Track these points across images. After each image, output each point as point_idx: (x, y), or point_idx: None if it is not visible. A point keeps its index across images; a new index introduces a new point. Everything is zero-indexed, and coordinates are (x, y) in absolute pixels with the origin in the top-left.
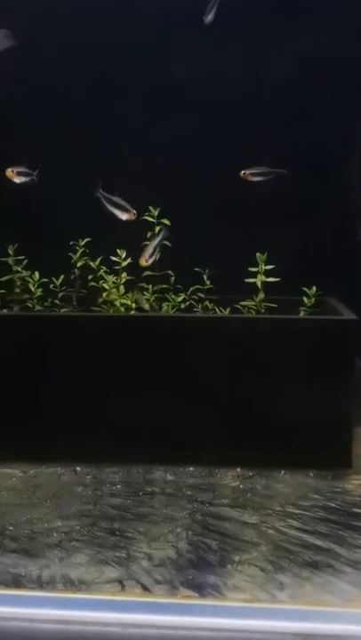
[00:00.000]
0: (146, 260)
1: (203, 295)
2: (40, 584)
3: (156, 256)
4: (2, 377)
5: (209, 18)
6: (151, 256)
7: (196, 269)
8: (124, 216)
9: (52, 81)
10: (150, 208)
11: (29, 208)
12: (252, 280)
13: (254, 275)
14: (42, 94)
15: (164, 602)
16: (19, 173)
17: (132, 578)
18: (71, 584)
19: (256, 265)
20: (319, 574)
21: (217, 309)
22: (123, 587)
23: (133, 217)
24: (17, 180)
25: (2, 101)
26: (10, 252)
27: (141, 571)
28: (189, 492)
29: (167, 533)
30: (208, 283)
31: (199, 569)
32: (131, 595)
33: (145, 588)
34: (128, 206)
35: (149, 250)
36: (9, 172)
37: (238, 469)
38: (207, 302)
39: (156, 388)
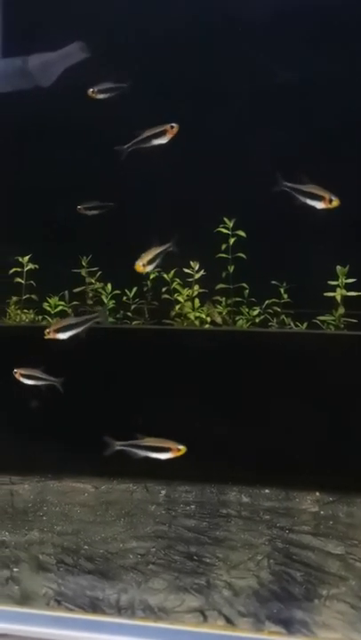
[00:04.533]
0: (144, 265)
1: (279, 309)
2: (118, 609)
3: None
4: (72, 390)
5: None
6: (150, 262)
7: (274, 282)
8: (319, 204)
9: (140, 87)
10: (225, 219)
11: (102, 220)
12: (331, 294)
13: (334, 288)
14: (129, 101)
15: (252, 637)
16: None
17: (214, 608)
18: (151, 611)
19: (336, 278)
20: None
21: (293, 324)
22: (205, 617)
23: (331, 204)
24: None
25: (89, 107)
26: (83, 263)
27: (223, 601)
28: (267, 517)
29: (247, 561)
30: (285, 296)
31: (284, 602)
32: (215, 627)
33: (228, 621)
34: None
35: (150, 255)
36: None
37: (317, 494)
38: (283, 316)
39: (228, 405)
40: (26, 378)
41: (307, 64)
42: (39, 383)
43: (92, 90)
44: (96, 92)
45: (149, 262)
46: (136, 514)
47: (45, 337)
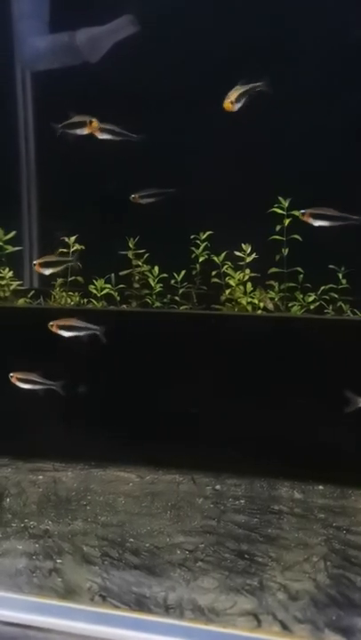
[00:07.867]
0: (40, 264)
1: (336, 295)
2: (166, 608)
3: None
4: (118, 376)
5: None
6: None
7: (331, 266)
8: None
9: (194, 67)
10: (280, 199)
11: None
12: None
13: None
14: (178, 82)
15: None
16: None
17: (268, 612)
18: (200, 612)
19: None
20: None
21: (350, 312)
22: (259, 622)
23: None
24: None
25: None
26: (130, 245)
27: (277, 604)
28: (322, 515)
29: (302, 562)
30: (343, 282)
31: (344, 609)
32: (269, 633)
33: (284, 627)
34: None
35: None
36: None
37: None
38: (341, 303)
39: (281, 396)
40: (23, 382)
41: None
42: (36, 387)
43: None
44: None
45: (46, 265)
46: (183, 507)
47: (48, 328)
